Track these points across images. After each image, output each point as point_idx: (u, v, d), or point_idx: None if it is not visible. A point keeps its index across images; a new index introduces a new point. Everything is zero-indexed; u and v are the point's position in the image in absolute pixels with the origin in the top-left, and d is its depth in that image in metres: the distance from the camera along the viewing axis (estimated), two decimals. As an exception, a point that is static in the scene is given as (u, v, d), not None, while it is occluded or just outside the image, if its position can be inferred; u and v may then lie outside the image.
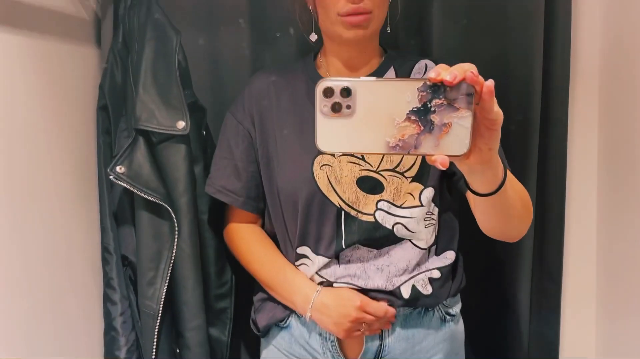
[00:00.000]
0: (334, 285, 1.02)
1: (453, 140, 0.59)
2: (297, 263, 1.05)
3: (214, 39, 1.23)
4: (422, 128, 0.58)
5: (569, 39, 1.20)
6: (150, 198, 1.01)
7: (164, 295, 1.04)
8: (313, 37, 1.05)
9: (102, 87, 1.10)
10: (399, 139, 0.59)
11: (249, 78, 1.14)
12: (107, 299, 1.12)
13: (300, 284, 1.03)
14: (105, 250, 1.12)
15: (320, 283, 1.03)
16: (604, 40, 1.23)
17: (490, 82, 0.58)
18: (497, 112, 0.60)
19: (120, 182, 1.01)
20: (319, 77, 1.06)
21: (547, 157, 1.24)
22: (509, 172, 0.75)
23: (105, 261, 1.12)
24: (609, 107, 1.22)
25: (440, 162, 0.59)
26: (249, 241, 1.11)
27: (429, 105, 0.58)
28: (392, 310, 1.00)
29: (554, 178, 1.25)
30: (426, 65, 1.05)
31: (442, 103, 0.58)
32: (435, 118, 0.58)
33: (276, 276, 1.05)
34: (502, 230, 0.91)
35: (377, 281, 1.01)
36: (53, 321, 1.00)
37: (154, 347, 1.05)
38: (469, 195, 0.96)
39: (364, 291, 1.01)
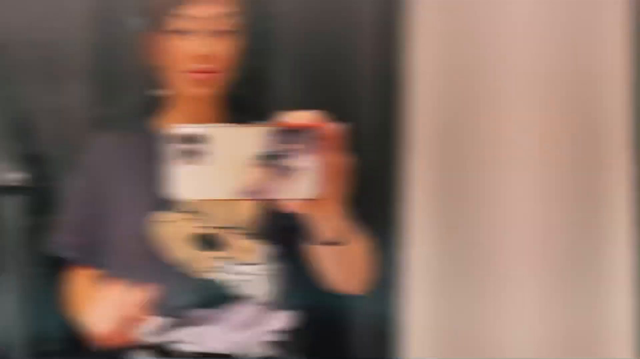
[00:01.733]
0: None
1: (304, 183, 0.60)
2: None
3: (58, 91, 1.21)
4: (273, 173, 0.60)
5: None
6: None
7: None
8: (158, 92, 1.06)
9: None
10: (252, 184, 0.60)
11: (91, 133, 1.13)
12: None
13: None
14: None
15: (154, 347, 0.98)
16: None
17: (335, 125, 0.61)
18: (342, 158, 0.63)
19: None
20: (159, 134, 1.05)
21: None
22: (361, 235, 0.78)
23: None
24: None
25: (292, 205, 0.61)
26: (80, 281, 1.04)
27: (279, 150, 0.60)
28: None
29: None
30: None
31: (291, 148, 0.60)
32: (286, 162, 0.60)
33: None
34: (344, 283, 0.93)
35: (215, 343, 0.98)
36: None
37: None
38: (313, 249, 0.98)
39: (202, 356, 0.97)
